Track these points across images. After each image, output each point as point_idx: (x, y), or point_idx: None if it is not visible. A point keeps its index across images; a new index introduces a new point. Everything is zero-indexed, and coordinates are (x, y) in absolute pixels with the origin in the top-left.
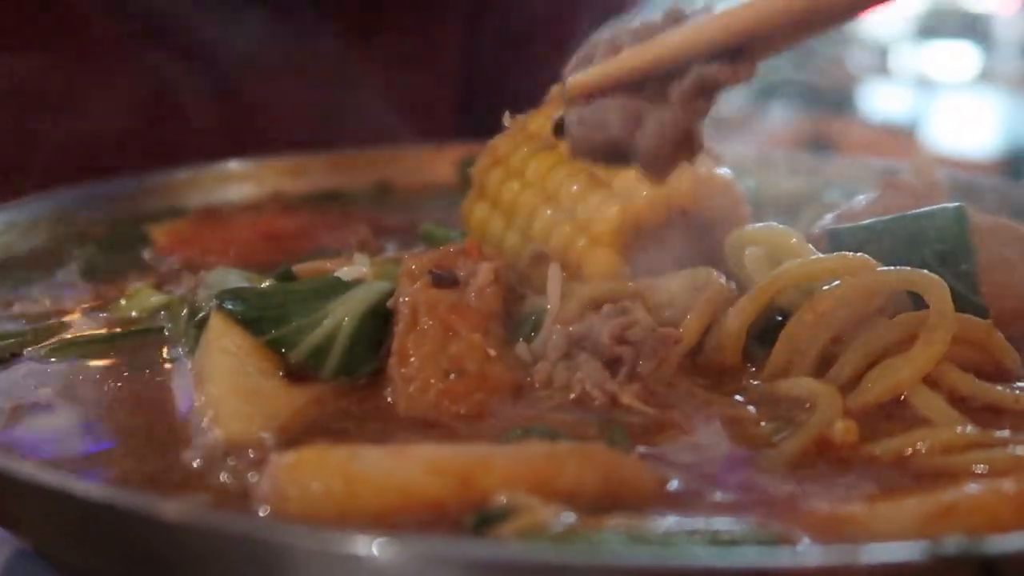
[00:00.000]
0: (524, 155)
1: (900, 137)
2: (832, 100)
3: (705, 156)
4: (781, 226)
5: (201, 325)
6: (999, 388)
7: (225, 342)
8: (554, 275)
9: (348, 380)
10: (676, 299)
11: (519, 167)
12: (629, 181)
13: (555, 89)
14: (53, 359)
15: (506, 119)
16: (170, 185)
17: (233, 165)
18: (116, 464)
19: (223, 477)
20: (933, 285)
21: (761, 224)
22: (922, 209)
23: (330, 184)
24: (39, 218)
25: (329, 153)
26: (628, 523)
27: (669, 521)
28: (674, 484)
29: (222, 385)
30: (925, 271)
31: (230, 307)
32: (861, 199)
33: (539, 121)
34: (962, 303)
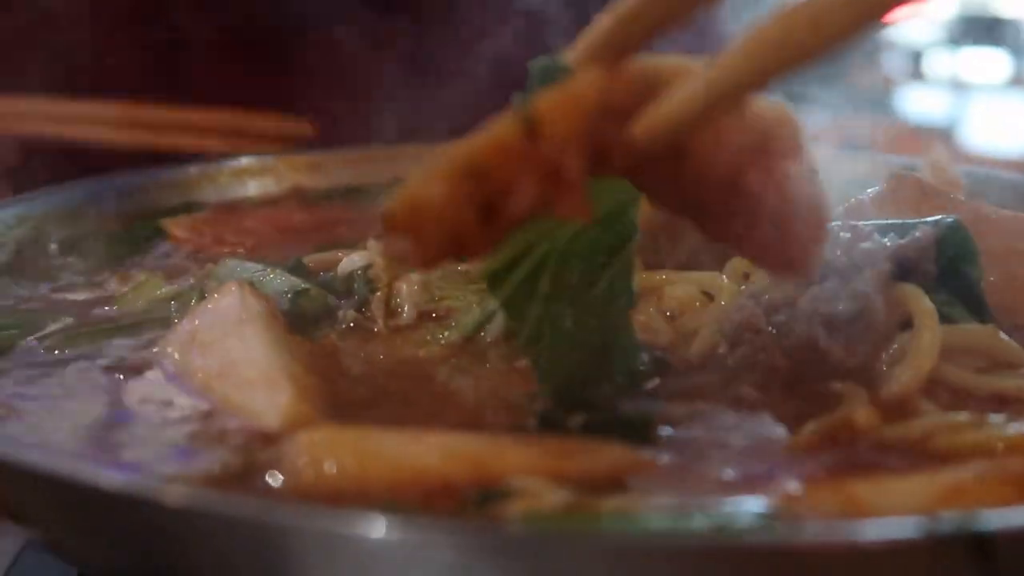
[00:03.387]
0: None
1: (935, 138)
2: (867, 102)
3: None
4: None
5: None
6: (1000, 379)
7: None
8: None
9: None
10: (683, 305)
11: None
12: None
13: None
14: (56, 351)
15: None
16: (186, 180)
17: (251, 160)
18: (121, 452)
19: (235, 459)
20: (913, 299)
21: None
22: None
23: (349, 180)
24: (50, 212)
25: (348, 149)
26: (627, 502)
27: (670, 500)
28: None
29: (257, 369)
30: (909, 285)
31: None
32: (869, 192)
33: None
34: (971, 308)
